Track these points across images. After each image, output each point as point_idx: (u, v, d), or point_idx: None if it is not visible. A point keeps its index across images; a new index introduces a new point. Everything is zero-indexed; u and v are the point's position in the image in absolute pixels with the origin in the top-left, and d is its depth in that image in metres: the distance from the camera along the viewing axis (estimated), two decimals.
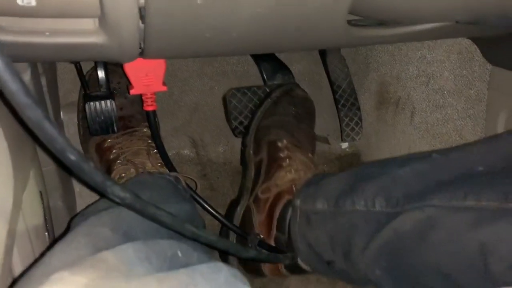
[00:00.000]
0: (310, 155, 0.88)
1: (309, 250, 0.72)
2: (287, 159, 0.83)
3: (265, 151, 0.87)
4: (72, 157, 0.33)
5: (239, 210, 0.86)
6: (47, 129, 0.31)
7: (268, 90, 0.97)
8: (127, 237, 0.42)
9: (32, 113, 0.30)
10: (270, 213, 0.80)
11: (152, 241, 0.39)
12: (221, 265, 0.35)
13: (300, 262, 0.75)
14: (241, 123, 0.97)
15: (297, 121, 0.92)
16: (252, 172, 0.89)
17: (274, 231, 0.79)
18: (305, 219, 0.72)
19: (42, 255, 0.41)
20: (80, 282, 0.29)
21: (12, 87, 0.28)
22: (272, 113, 0.92)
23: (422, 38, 0.67)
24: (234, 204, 0.89)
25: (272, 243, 0.79)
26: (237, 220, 0.86)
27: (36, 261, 0.37)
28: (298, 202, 0.74)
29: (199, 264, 0.34)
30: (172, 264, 0.38)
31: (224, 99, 1.00)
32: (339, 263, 0.67)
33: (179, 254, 0.40)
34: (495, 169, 0.54)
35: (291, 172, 0.81)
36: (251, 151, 0.91)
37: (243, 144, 0.94)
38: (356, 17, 0.54)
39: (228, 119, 0.99)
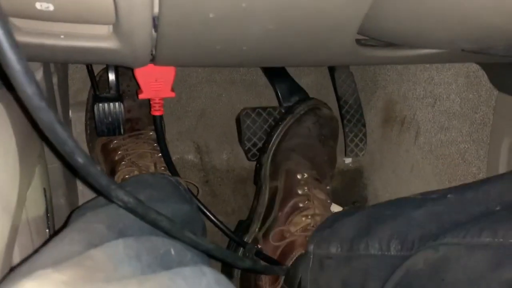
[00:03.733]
0: (328, 187, 0.85)
1: None
2: (306, 200, 0.80)
3: (283, 180, 0.83)
4: (80, 160, 0.34)
5: (246, 240, 0.83)
6: (58, 131, 0.32)
7: (284, 111, 0.92)
8: (123, 234, 0.42)
9: (45, 115, 0.31)
10: (280, 263, 0.77)
11: (145, 237, 0.39)
12: (206, 269, 0.34)
13: None
14: (254, 144, 0.94)
15: (321, 144, 0.87)
16: (265, 198, 0.85)
17: (281, 281, 0.76)
18: (318, 264, 0.70)
19: None
20: (59, 279, 0.29)
21: (28, 90, 0.29)
22: (295, 133, 0.87)
23: (429, 61, 0.67)
24: (242, 228, 0.87)
25: None
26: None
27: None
28: (311, 247, 0.71)
29: (183, 267, 0.33)
30: (164, 262, 0.38)
31: (238, 119, 0.97)
32: None
33: (172, 252, 0.40)
34: None
35: (308, 218, 0.78)
36: (267, 173, 0.86)
37: (259, 162, 0.89)
38: (365, 37, 0.55)
39: (241, 141, 0.97)
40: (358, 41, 0.55)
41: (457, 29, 0.42)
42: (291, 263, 0.75)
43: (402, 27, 0.45)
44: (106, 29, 0.47)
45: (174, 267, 0.35)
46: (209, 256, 0.51)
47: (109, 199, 0.37)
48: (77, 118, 0.92)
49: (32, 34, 0.45)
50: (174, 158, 1.00)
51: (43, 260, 0.34)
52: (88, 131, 0.88)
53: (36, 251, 0.35)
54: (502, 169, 0.80)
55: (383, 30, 0.48)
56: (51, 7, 0.39)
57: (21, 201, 0.46)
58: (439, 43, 0.48)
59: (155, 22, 0.45)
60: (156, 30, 0.46)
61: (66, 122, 0.86)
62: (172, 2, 0.40)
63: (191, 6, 0.41)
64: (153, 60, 0.56)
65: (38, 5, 0.39)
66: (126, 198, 0.37)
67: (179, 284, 0.31)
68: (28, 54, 0.52)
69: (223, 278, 0.35)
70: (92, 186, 0.37)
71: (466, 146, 0.88)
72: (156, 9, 0.42)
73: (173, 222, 0.42)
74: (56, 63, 0.75)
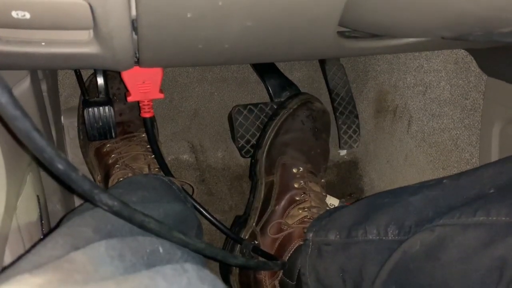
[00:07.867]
0: (322, 180, 0.86)
1: (318, 285, 0.71)
2: (302, 193, 0.81)
3: (279, 174, 0.84)
4: (61, 166, 0.34)
5: (243, 235, 0.84)
6: (36, 139, 0.32)
7: (276, 106, 0.93)
8: (111, 236, 0.41)
9: (21, 124, 0.31)
10: (278, 254, 0.78)
11: (131, 237, 0.38)
12: (188, 266, 0.34)
13: None
14: (248, 141, 0.94)
15: (315, 137, 0.88)
16: (262, 192, 0.85)
17: (280, 273, 0.77)
18: (317, 251, 0.71)
19: None
20: (35, 283, 0.29)
21: (2, 99, 0.29)
22: (289, 127, 0.87)
23: (414, 49, 0.67)
24: (239, 223, 0.87)
25: (277, 284, 0.77)
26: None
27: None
28: (310, 235, 0.73)
29: (165, 265, 0.33)
30: (151, 261, 0.38)
31: (230, 117, 0.97)
32: None
33: (161, 250, 0.40)
34: (505, 190, 0.54)
35: (305, 210, 0.79)
36: (263, 169, 0.86)
37: (254, 158, 0.89)
38: (348, 29, 0.55)
39: (234, 138, 0.97)
40: (341, 34, 0.55)
41: (433, 18, 0.42)
42: (289, 254, 0.76)
43: (380, 18, 0.45)
44: (87, 35, 0.47)
45: (162, 265, 0.35)
46: (202, 255, 0.51)
47: (93, 204, 0.37)
48: (70, 123, 0.92)
49: (13, 42, 0.45)
50: (169, 158, 1.01)
51: (23, 265, 0.34)
52: (81, 136, 0.88)
53: (19, 258, 0.35)
54: (494, 154, 0.80)
55: (363, 21, 0.48)
56: (28, 15, 0.39)
57: (10, 209, 0.46)
58: (418, 32, 0.48)
59: (135, 25, 0.45)
60: (136, 33, 0.46)
61: (58, 128, 0.87)
62: (148, 4, 0.40)
63: (168, 7, 0.41)
64: (138, 62, 0.56)
65: (14, 14, 0.39)
66: (111, 201, 0.37)
67: (159, 283, 0.31)
68: (12, 62, 0.52)
69: (207, 275, 0.35)
70: (77, 192, 0.37)
71: (458, 133, 0.88)
72: (134, 12, 0.42)
73: (161, 223, 0.42)
74: (44, 70, 0.75)
